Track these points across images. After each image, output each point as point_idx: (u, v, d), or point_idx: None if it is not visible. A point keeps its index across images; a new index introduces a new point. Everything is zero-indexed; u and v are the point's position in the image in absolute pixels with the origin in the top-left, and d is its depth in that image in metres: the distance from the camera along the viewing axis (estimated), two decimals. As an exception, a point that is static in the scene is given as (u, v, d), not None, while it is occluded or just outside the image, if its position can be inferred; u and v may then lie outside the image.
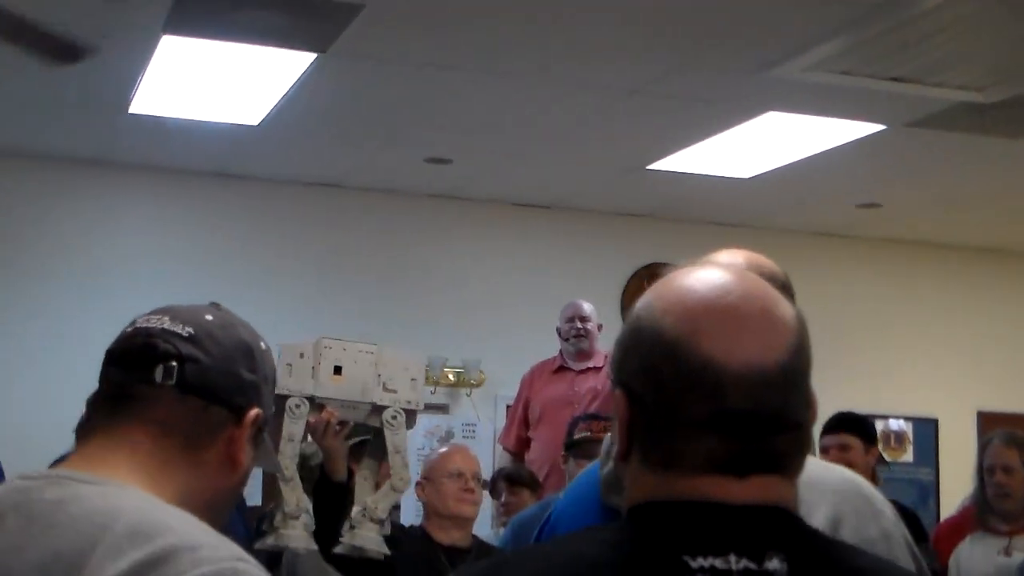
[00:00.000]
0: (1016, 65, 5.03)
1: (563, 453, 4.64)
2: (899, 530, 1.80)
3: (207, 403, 1.45)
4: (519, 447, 5.95)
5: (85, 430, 1.45)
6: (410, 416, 3.24)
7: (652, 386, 1.21)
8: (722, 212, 7.80)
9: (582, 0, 4.61)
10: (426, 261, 7.62)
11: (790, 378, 1.21)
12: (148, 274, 6.73)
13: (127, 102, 5.93)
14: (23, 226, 6.72)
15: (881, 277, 8.44)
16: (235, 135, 6.48)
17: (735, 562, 1.15)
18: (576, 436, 4.38)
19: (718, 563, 1.15)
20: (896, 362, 8.32)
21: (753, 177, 6.99)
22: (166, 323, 1.48)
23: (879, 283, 8.43)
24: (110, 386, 1.47)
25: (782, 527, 1.20)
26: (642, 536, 1.20)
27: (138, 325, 1.50)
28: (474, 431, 7.40)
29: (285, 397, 3.12)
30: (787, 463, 1.22)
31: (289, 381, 3.13)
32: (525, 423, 5.96)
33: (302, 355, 3.17)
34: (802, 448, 1.24)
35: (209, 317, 1.51)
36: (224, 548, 1.29)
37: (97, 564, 1.25)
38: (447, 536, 3.90)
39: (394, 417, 3.21)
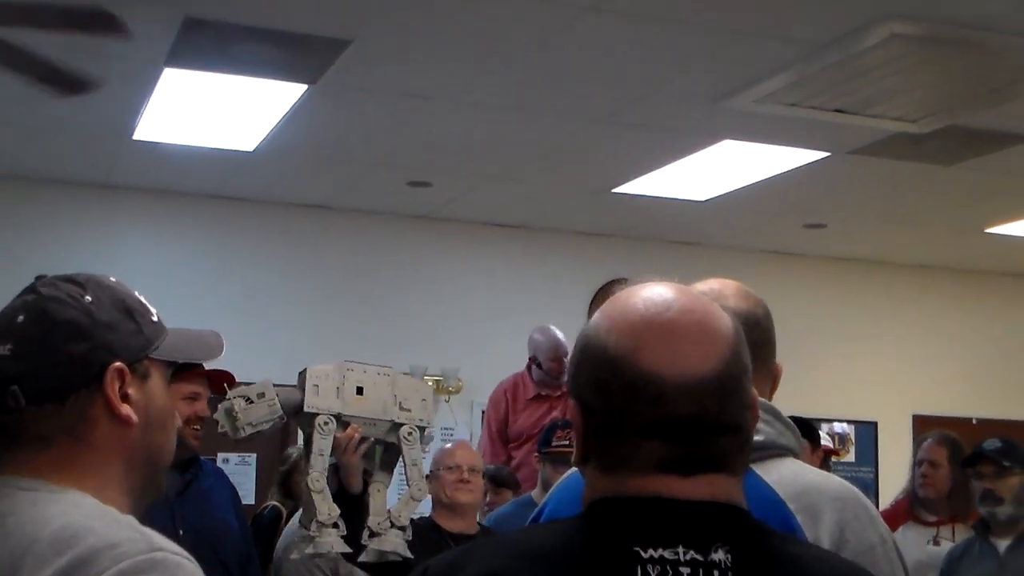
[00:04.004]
0: (946, 100, 5.07)
1: (536, 454, 4.66)
2: (890, 535, 1.82)
3: (62, 400, 1.37)
4: (504, 463, 5.83)
5: None
6: (421, 432, 3.28)
7: (601, 397, 1.23)
8: (681, 232, 7.83)
9: (550, 39, 4.64)
10: (408, 277, 7.62)
11: (727, 384, 1.22)
12: (148, 290, 6.65)
13: (131, 129, 5.92)
14: (29, 246, 6.68)
15: (826, 292, 8.48)
16: (231, 160, 6.47)
17: (683, 553, 1.16)
18: (554, 445, 4.40)
19: (667, 554, 1.16)
20: (839, 370, 8.36)
21: (709, 200, 7.02)
22: None
23: (824, 298, 8.46)
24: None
25: (727, 521, 1.21)
26: (597, 528, 1.21)
27: None
28: (452, 435, 7.40)
29: (315, 415, 3.13)
30: (730, 462, 1.23)
31: (317, 400, 3.13)
32: (504, 440, 5.86)
33: (327, 376, 3.17)
34: (744, 448, 1.25)
35: (20, 318, 1.39)
36: (143, 541, 1.25)
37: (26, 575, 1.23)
38: (452, 524, 3.95)
39: (410, 433, 3.24)
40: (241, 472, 7.19)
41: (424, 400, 3.28)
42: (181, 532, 3.05)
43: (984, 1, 4.16)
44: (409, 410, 3.24)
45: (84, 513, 1.30)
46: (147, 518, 1.35)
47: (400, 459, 3.30)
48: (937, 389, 8.50)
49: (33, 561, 1.24)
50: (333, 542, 3.10)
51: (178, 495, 3.17)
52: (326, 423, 3.12)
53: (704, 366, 1.21)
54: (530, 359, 5.86)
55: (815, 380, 8.17)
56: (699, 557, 1.17)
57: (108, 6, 3.77)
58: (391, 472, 3.36)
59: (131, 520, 1.31)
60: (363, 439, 3.23)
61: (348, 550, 3.14)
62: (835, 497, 1.77)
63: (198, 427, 3.15)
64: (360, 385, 3.20)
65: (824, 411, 8.13)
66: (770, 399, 1.86)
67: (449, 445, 4.29)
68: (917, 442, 4.97)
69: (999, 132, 5.57)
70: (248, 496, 7.11)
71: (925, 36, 4.38)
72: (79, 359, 1.37)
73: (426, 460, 3.50)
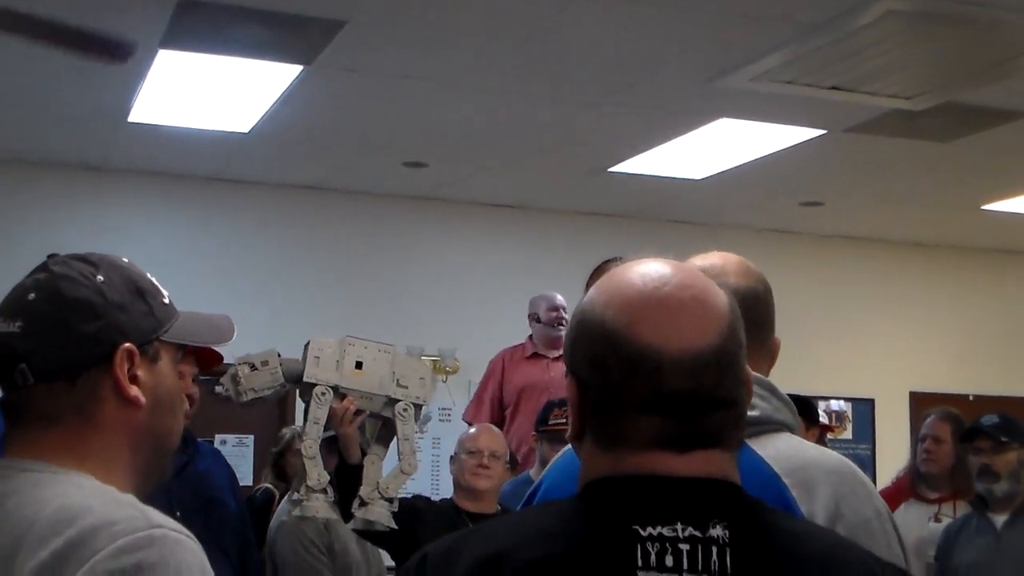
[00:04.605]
0: (941, 76, 5.06)
1: (534, 433, 4.67)
2: (885, 508, 1.82)
3: (72, 378, 1.36)
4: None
5: (4, 439, 1.40)
6: (417, 410, 3.37)
7: (598, 373, 1.23)
8: (678, 211, 7.83)
9: (546, 19, 4.63)
10: (404, 258, 7.61)
11: (723, 359, 1.22)
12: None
13: (126, 111, 5.90)
14: (25, 230, 6.66)
15: (823, 270, 8.48)
16: (227, 142, 6.45)
17: (681, 530, 1.17)
18: (551, 423, 4.41)
19: (666, 531, 1.16)
20: (836, 348, 8.35)
21: (706, 178, 7.01)
22: (0, 326, 1.38)
23: (821, 276, 8.46)
24: (3, 397, 1.40)
25: (724, 497, 1.21)
26: (596, 508, 1.21)
27: None
28: (450, 415, 7.41)
29: (312, 385, 3.25)
30: (726, 438, 1.23)
31: (316, 371, 3.26)
32: (499, 405, 5.94)
33: (328, 349, 3.28)
34: (738, 423, 1.25)
35: (31, 296, 1.39)
36: (142, 519, 1.25)
37: (24, 556, 1.23)
38: (471, 506, 4.02)
39: (405, 410, 3.33)
40: (238, 454, 7.20)
41: (422, 379, 3.36)
42: (178, 513, 3.05)
43: (980, -23, 4.15)
44: (406, 387, 3.33)
45: (84, 493, 1.29)
46: (144, 499, 1.34)
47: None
48: (934, 366, 8.51)
49: (32, 541, 1.23)
50: (320, 507, 3.22)
51: (174, 476, 3.15)
52: (323, 393, 3.24)
53: (701, 341, 1.21)
54: (529, 318, 5.96)
55: (812, 358, 8.17)
56: (697, 533, 1.17)
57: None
58: (387, 446, 3.44)
59: (131, 499, 1.31)
60: (359, 412, 3.33)
61: (334, 515, 3.27)
62: (830, 471, 1.77)
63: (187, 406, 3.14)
64: (360, 360, 3.30)
65: (821, 388, 8.14)
66: (767, 374, 1.86)
67: (473, 429, 4.36)
68: (923, 416, 4.98)
69: (995, 109, 5.55)
70: (245, 478, 7.11)
71: (920, 12, 4.36)
72: (89, 338, 1.37)
73: (423, 440, 3.56)
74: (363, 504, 3.29)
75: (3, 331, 1.37)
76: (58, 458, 1.35)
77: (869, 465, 8.24)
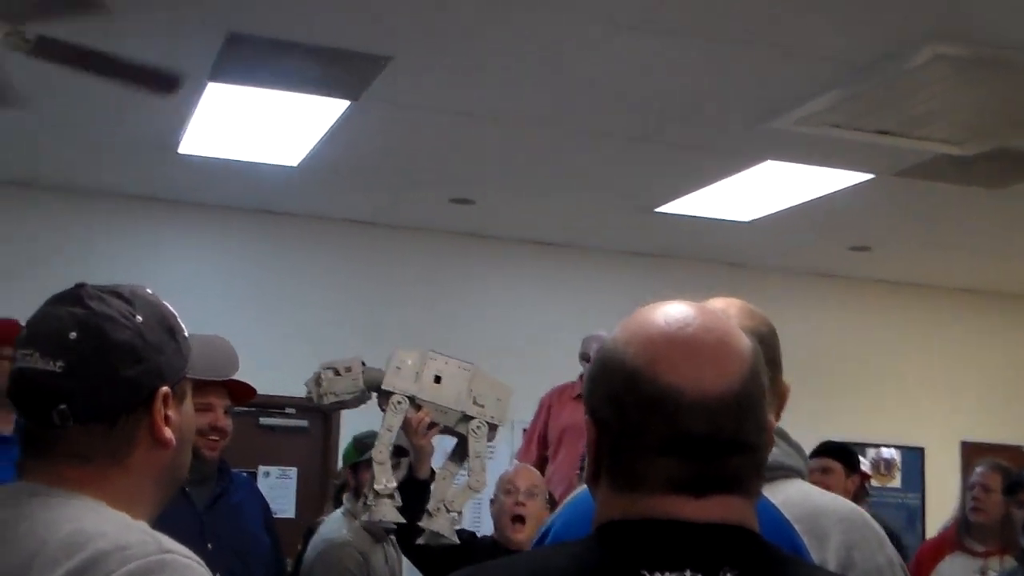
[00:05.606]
0: (991, 122, 5.01)
1: (577, 471, 4.65)
2: (897, 557, 1.81)
3: (111, 422, 1.37)
4: (537, 465, 5.90)
5: (19, 467, 1.40)
6: (492, 429, 3.38)
7: (616, 413, 1.22)
8: (724, 252, 7.79)
9: (593, 56, 4.64)
10: (450, 295, 7.62)
11: (744, 403, 1.21)
12: (192, 304, 6.72)
13: (176, 143, 5.98)
14: (77, 259, 6.74)
15: (872, 315, 8.40)
16: (275, 175, 6.51)
17: None
18: None
19: None
20: (886, 395, 8.26)
21: (753, 220, 6.98)
22: (38, 362, 1.37)
23: (871, 321, 8.38)
24: (25, 426, 1.40)
25: (738, 544, 1.19)
26: (605, 551, 1.20)
27: (17, 363, 1.39)
28: (492, 453, 7.38)
29: (390, 393, 3.30)
30: (743, 483, 1.22)
31: (395, 380, 3.30)
32: (543, 443, 5.92)
33: (410, 360, 3.34)
34: (758, 469, 1.24)
35: (73, 335, 1.37)
36: (153, 543, 1.26)
37: None
38: (512, 545, 4.00)
39: (478, 427, 3.35)
40: (281, 485, 7.23)
41: (499, 400, 3.38)
42: (210, 546, 3.05)
43: (1030, 22, 4.11)
44: (482, 406, 3.36)
45: (96, 517, 1.31)
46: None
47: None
48: (986, 416, 8.37)
49: (43, 563, 1.25)
50: (387, 511, 3.24)
51: (207, 508, 3.16)
52: (399, 402, 3.28)
53: (722, 384, 1.20)
54: (581, 357, 5.92)
55: (860, 404, 8.09)
56: None
57: (151, 21, 3.82)
58: (460, 464, 3.45)
59: (143, 525, 1.32)
60: (433, 424, 3.35)
61: (401, 519, 3.26)
62: (842, 519, 1.76)
63: (216, 438, 3.14)
64: (439, 374, 3.35)
65: (870, 435, 8.05)
66: (777, 418, 1.85)
67: (509, 468, 4.37)
68: (972, 467, 4.89)
69: (1047, 155, 5.49)
70: (288, 510, 7.14)
71: (969, 57, 4.32)
72: (131, 382, 1.37)
73: (493, 452, 3.58)
74: (429, 516, 3.31)
75: (43, 369, 1.36)
76: (81, 491, 1.35)
77: (918, 515, 8.11)
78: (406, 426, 3.31)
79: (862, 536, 1.75)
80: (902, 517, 7.89)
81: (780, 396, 1.87)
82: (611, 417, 1.22)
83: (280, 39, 4.59)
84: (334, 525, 4.25)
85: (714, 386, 1.19)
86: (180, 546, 1.28)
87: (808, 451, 4.81)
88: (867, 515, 1.82)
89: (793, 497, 1.70)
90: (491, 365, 7.70)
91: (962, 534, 4.73)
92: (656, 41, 4.45)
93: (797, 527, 1.54)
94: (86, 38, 3.93)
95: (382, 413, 3.33)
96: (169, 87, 4.17)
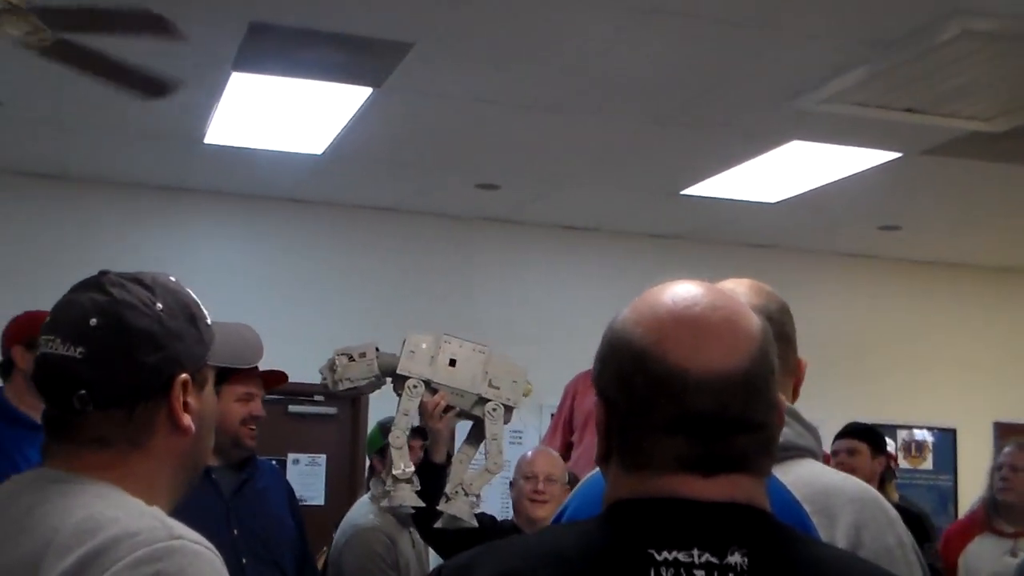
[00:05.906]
0: (1019, 97, 4.94)
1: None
2: (909, 538, 1.80)
3: (130, 408, 1.39)
4: (562, 451, 5.91)
5: (44, 450, 1.43)
6: (508, 411, 3.39)
7: (624, 392, 1.22)
8: (751, 234, 7.75)
9: (616, 40, 4.62)
10: (476, 279, 7.63)
11: (752, 382, 1.20)
12: (220, 293, 6.79)
13: (202, 133, 6.01)
14: (104, 249, 6.79)
15: (902, 296, 8.33)
16: (300, 163, 6.53)
17: (698, 556, 1.15)
18: None
19: (682, 556, 1.14)
20: (917, 376, 8.20)
21: (780, 201, 6.94)
22: (59, 347, 1.38)
23: (900, 301, 8.32)
24: (47, 411, 1.42)
25: (746, 523, 1.19)
26: (613, 530, 1.20)
27: (41, 348, 1.41)
28: (521, 438, 7.39)
29: (405, 377, 3.31)
30: (752, 462, 1.21)
31: (410, 364, 3.32)
32: (569, 428, 5.92)
33: (424, 344, 3.35)
34: (767, 448, 1.23)
35: (93, 321, 1.39)
36: (163, 530, 1.27)
37: (48, 564, 1.25)
38: (531, 529, 3.96)
39: (494, 409, 3.36)
40: (311, 472, 7.26)
41: (515, 382, 3.39)
42: (236, 531, 3.08)
43: (1058, -5, 4.06)
44: (498, 388, 3.36)
45: (109, 504, 1.32)
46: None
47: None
48: (1019, 396, 8.28)
49: (56, 550, 1.26)
50: (406, 495, 3.26)
51: (233, 494, 3.19)
52: (415, 386, 3.30)
53: (729, 362, 1.19)
54: None
55: (891, 385, 8.04)
56: (714, 560, 1.15)
57: (173, 12, 3.83)
58: (477, 447, 3.45)
59: (156, 511, 1.33)
60: (449, 408, 3.35)
61: (420, 503, 3.28)
62: (852, 499, 1.75)
63: (254, 427, 3.17)
64: (454, 357, 3.36)
65: (900, 417, 8.00)
66: (794, 397, 1.84)
67: (529, 453, 4.33)
68: (1000, 447, 4.85)
69: (1078, 131, 5.42)
70: (318, 496, 7.18)
71: (997, 32, 4.27)
72: (151, 369, 1.39)
73: (521, 437, 3.58)
74: (448, 500, 3.32)
75: (64, 354, 1.38)
76: (101, 476, 1.37)
77: (950, 497, 8.06)
78: (422, 410, 3.32)
79: (872, 516, 1.74)
80: (934, 499, 7.85)
81: (794, 374, 1.86)
82: (619, 397, 1.22)
83: (302, 27, 4.59)
84: (362, 510, 4.27)
85: (721, 365, 1.19)
86: (191, 532, 1.29)
87: (836, 432, 4.81)
88: (879, 495, 1.81)
89: (804, 477, 1.69)
90: (518, 351, 7.70)
91: (991, 515, 4.69)
92: (679, 23, 4.42)
93: (807, 507, 1.54)
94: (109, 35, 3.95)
95: (398, 398, 3.34)
96: (158, 92, 4.28)
